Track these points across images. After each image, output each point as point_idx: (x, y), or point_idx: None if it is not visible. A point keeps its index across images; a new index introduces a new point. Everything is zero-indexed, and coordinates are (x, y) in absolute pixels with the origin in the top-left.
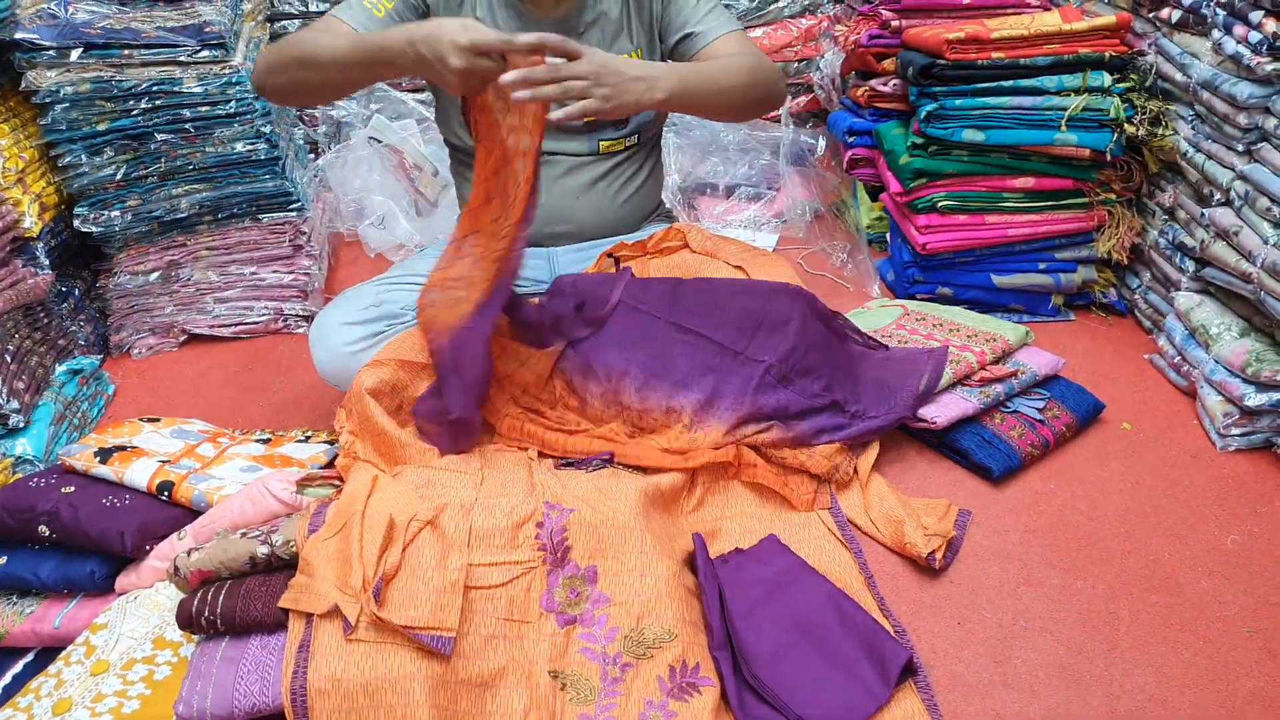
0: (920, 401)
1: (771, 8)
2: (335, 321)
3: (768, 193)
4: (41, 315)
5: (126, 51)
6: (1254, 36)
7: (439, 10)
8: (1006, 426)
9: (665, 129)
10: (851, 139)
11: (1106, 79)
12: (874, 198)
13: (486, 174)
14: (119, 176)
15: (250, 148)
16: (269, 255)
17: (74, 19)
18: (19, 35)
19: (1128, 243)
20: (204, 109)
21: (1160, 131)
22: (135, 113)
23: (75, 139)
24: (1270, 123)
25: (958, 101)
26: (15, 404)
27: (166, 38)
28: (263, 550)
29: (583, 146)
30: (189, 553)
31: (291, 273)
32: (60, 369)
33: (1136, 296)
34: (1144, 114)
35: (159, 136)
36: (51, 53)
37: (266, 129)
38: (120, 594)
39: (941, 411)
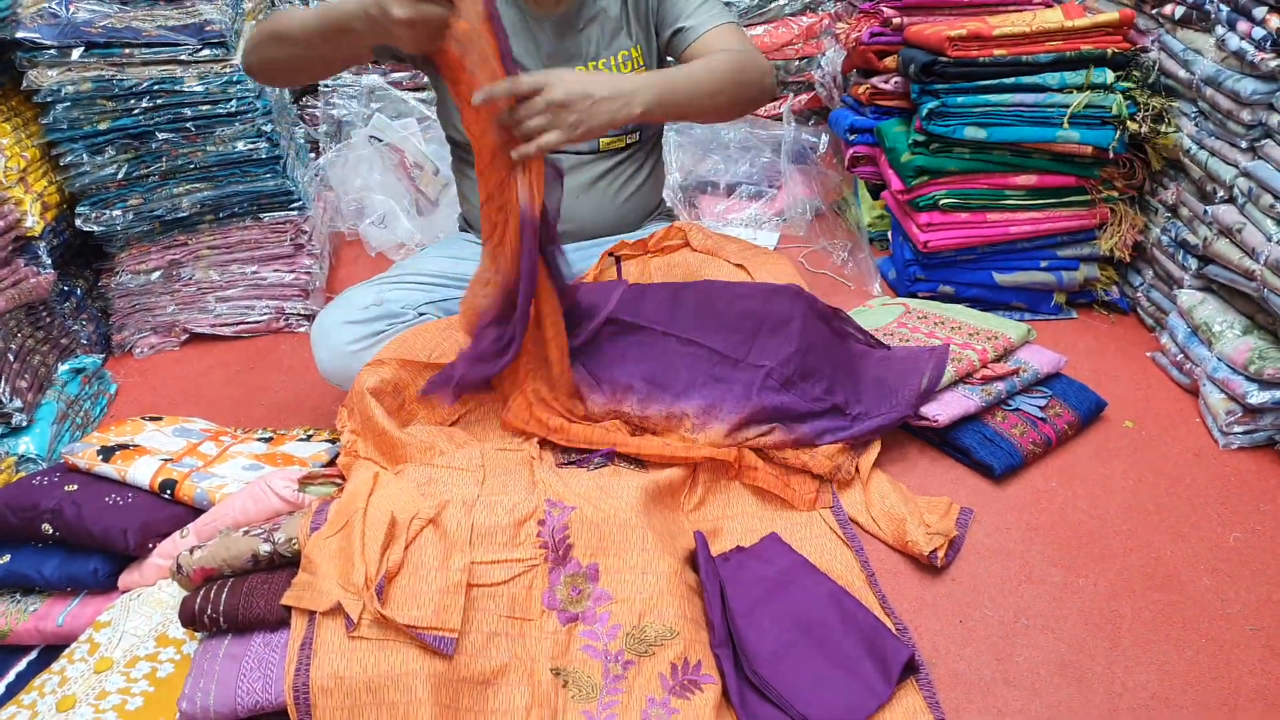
0: (922, 400)
1: (772, 5)
2: (336, 320)
3: (769, 191)
4: (44, 314)
5: (127, 50)
6: (1258, 32)
7: None
8: (1008, 424)
9: (666, 127)
10: (853, 137)
11: (1109, 76)
12: (875, 196)
13: (480, 168)
14: (120, 176)
15: (251, 147)
16: (270, 254)
17: (75, 18)
18: (20, 34)
19: (1130, 240)
20: (205, 108)
21: (1163, 128)
22: (136, 112)
23: (76, 138)
24: (1274, 119)
25: (959, 99)
26: (18, 403)
27: (167, 36)
28: (265, 548)
29: (583, 145)
30: (192, 550)
31: (293, 272)
32: (63, 368)
33: (1139, 294)
34: (1146, 111)
35: (160, 135)
36: (53, 52)
37: (267, 128)
38: (123, 592)
39: (943, 410)
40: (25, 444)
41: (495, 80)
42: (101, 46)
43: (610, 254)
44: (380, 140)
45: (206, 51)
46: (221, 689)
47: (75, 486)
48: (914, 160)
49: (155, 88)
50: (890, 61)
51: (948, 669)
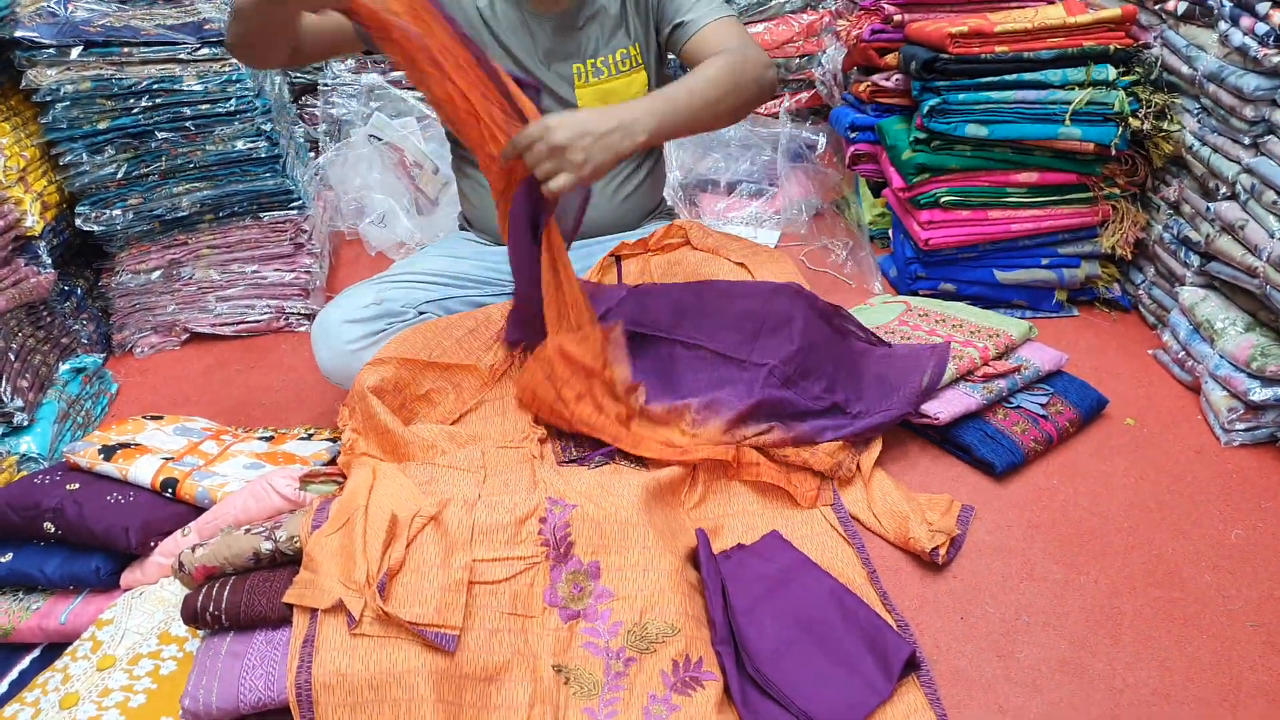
0: (923, 398)
1: (773, 3)
2: (337, 319)
3: (769, 189)
4: (44, 314)
5: (126, 49)
6: (1261, 28)
7: None
8: (1009, 422)
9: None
10: (853, 134)
11: (1111, 72)
12: (876, 193)
13: (481, 166)
14: (120, 175)
15: (251, 146)
16: (270, 254)
17: (74, 17)
18: (19, 33)
19: (1132, 237)
20: (204, 107)
21: (1165, 125)
22: (136, 111)
23: (76, 137)
24: (1277, 115)
25: (961, 96)
26: (19, 402)
27: (166, 35)
28: (267, 546)
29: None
30: (193, 549)
31: (293, 271)
32: (63, 367)
33: (1140, 292)
34: (1149, 107)
35: (159, 135)
36: (51, 51)
37: (267, 127)
38: (125, 590)
39: (944, 407)
40: (27, 443)
41: (447, 54)
42: (100, 45)
43: (611, 255)
44: (380, 139)
45: (205, 50)
46: (224, 686)
47: (77, 485)
48: (915, 158)
49: (154, 87)
50: (891, 59)
51: (949, 666)
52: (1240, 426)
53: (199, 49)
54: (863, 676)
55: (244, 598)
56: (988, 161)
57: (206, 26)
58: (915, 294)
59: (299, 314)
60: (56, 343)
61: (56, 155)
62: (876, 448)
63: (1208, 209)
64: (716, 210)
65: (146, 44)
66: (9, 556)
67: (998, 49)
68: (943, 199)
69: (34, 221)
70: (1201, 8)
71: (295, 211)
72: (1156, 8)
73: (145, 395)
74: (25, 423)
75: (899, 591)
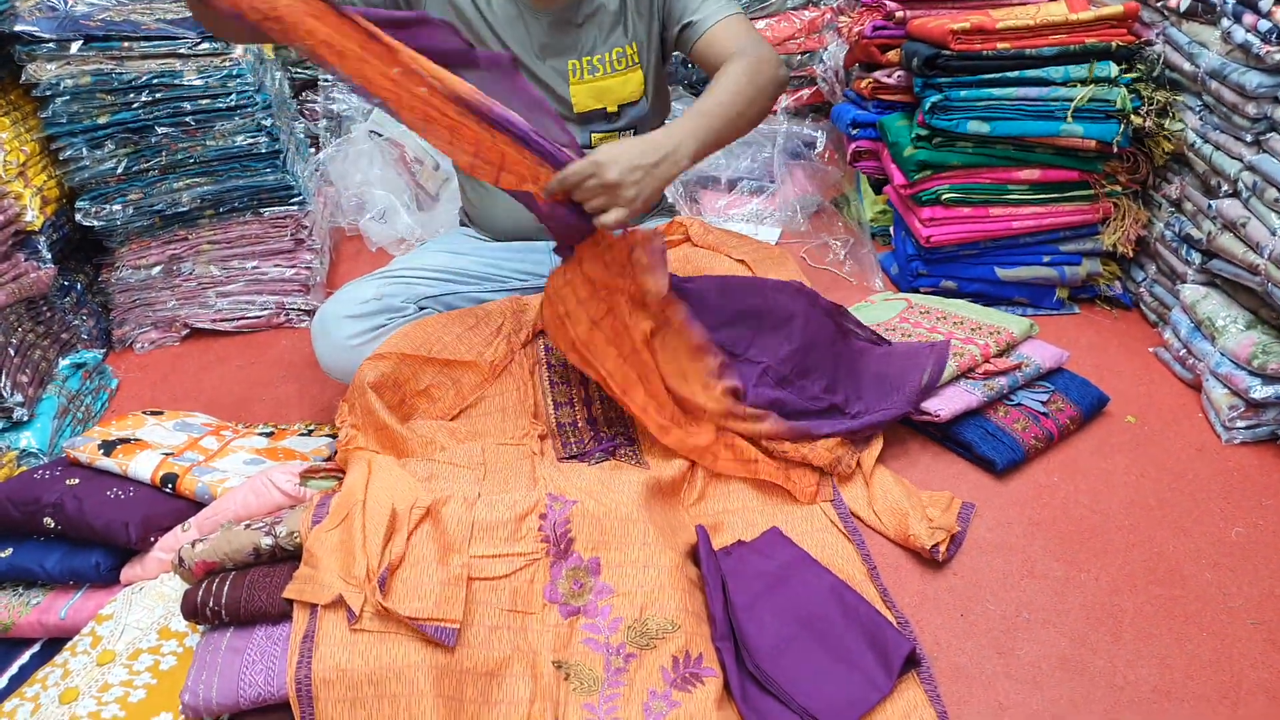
0: (922, 396)
1: (774, 0)
2: (337, 315)
3: (770, 186)
4: (44, 309)
5: (126, 44)
6: (1263, 25)
7: None
8: (1010, 419)
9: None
10: (855, 131)
11: (1113, 69)
12: (877, 191)
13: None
14: (120, 170)
15: (251, 141)
16: (270, 249)
17: (73, 11)
18: (18, 28)
19: (1133, 235)
20: (204, 102)
21: (1167, 122)
22: (136, 106)
23: (76, 132)
24: (1279, 113)
25: (963, 93)
26: (19, 397)
27: (166, 30)
28: (267, 542)
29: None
30: (193, 544)
31: (293, 267)
32: (63, 363)
33: (1142, 289)
34: (1151, 105)
35: (160, 130)
36: (51, 45)
37: (267, 122)
38: (125, 585)
39: (945, 405)
40: (26, 438)
41: (346, 38)
42: (100, 40)
43: None
44: (380, 135)
45: (206, 45)
46: (224, 681)
47: (77, 480)
48: (916, 155)
49: (154, 81)
50: (893, 55)
51: (949, 663)
52: (1241, 424)
53: (199, 44)
54: (863, 673)
55: (244, 593)
56: (989, 158)
57: None
58: (916, 291)
59: (299, 310)
60: (56, 338)
61: (56, 150)
62: (877, 445)
63: (1209, 206)
64: (717, 207)
65: (146, 38)
66: (9, 551)
67: (1000, 45)
68: (944, 196)
69: (34, 216)
70: (1204, 4)
71: (296, 207)
72: (1159, 4)
73: (145, 391)
74: (25, 418)
75: (899, 588)
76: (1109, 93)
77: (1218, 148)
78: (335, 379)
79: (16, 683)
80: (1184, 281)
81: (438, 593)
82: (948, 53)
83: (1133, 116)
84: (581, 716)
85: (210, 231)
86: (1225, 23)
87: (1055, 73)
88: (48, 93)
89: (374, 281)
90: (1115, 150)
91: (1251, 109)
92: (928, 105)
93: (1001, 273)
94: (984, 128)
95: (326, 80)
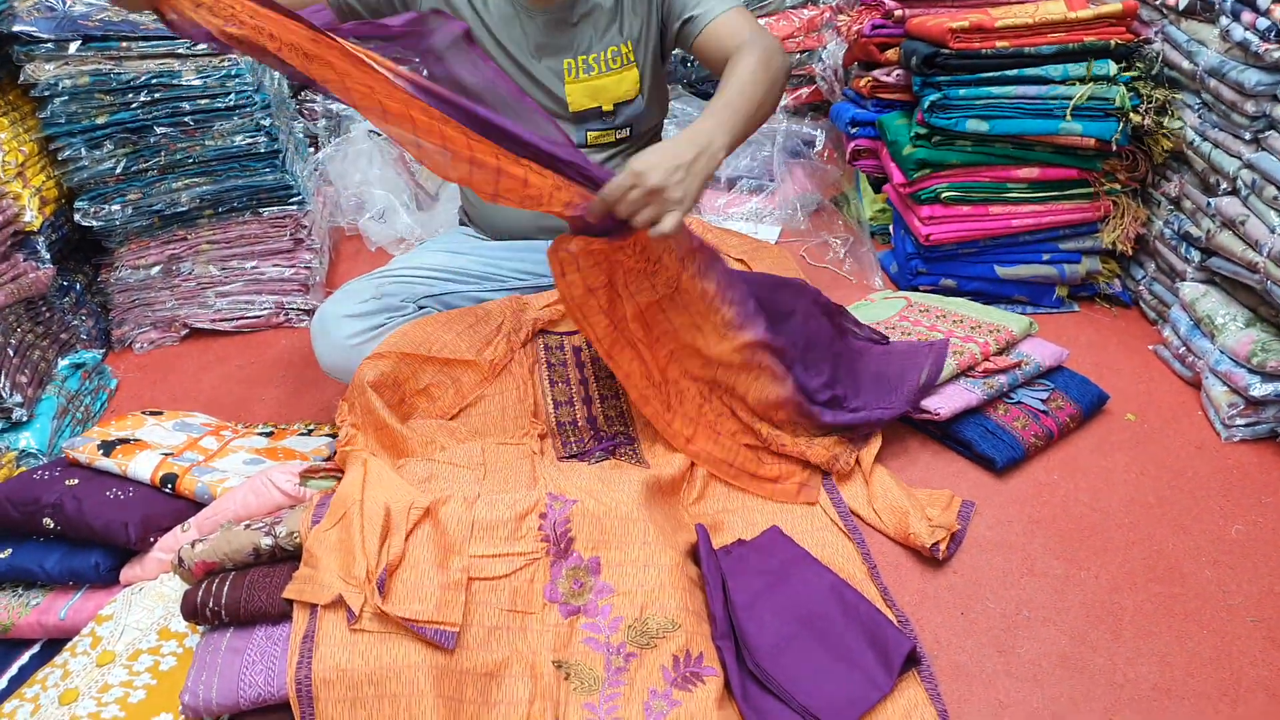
0: (921, 395)
1: None
2: (336, 314)
3: (769, 185)
4: (43, 309)
5: (125, 44)
6: (1262, 23)
7: None
8: (1010, 418)
9: (666, 120)
10: (854, 130)
11: (1112, 67)
12: (877, 189)
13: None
14: (119, 170)
15: (250, 141)
16: (270, 249)
17: (72, 11)
18: (17, 28)
19: (1132, 233)
20: (203, 102)
21: (1166, 120)
22: (134, 106)
23: (75, 132)
24: (1278, 110)
25: (961, 91)
26: (18, 398)
27: (165, 30)
28: (266, 542)
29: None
30: (193, 544)
31: (292, 267)
32: (63, 363)
33: (1141, 287)
34: (1150, 103)
35: (158, 130)
36: (50, 45)
37: (266, 122)
38: (125, 586)
39: (945, 403)
40: (26, 439)
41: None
42: (99, 40)
43: None
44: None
45: (204, 45)
46: (224, 681)
47: (76, 481)
48: (916, 153)
49: (153, 81)
50: (892, 54)
51: (949, 661)
52: (1240, 422)
53: (197, 44)
54: (863, 671)
55: (244, 593)
56: (988, 157)
57: None
58: (916, 290)
59: (299, 309)
60: (56, 338)
61: (55, 150)
62: (876, 443)
63: (1208, 204)
64: (717, 206)
65: (145, 38)
66: (8, 552)
67: (998, 44)
68: (943, 194)
69: (32, 217)
70: (1203, 3)
71: (295, 207)
72: (1158, 3)
73: (145, 391)
74: (24, 418)
75: (899, 587)
76: (1108, 91)
77: (1217, 145)
78: (335, 378)
79: (16, 683)
80: (1183, 279)
81: (438, 596)
82: (946, 51)
83: (1132, 114)
84: (582, 716)
85: (209, 231)
86: (1224, 21)
87: (1054, 71)
88: (46, 93)
89: (373, 281)
90: (1114, 148)
91: (1250, 107)
92: (927, 104)
93: (1001, 271)
94: (983, 126)
95: None
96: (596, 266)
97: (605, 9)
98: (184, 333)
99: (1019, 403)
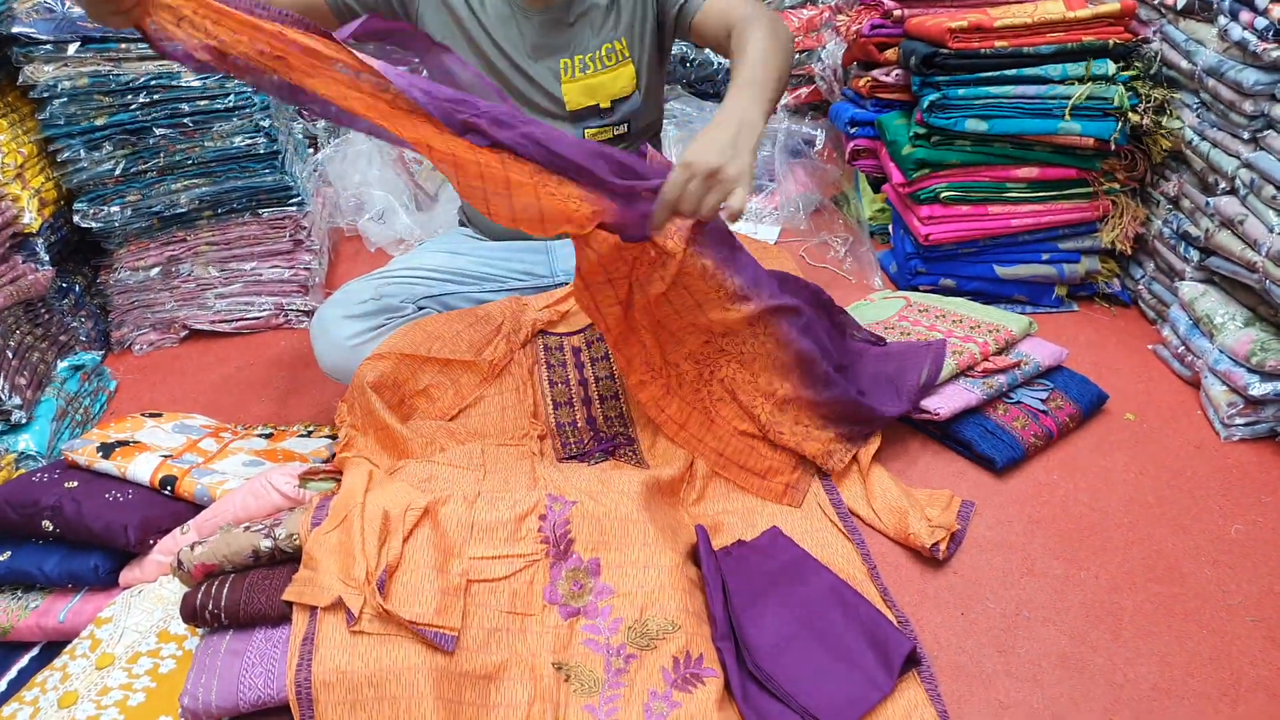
0: (920, 395)
1: None
2: (336, 315)
3: (769, 185)
4: (42, 311)
5: (124, 45)
6: (1260, 22)
7: None
8: (1010, 418)
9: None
10: (853, 130)
11: (1111, 67)
12: (876, 189)
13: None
14: (118, 171)
15: (249, 142)
16: (269, 250)
17: (70, 13)
18: (15, 29)
19: (1132, 233)
20: (202, 103)
21: (1165, 120)
22: (133, 107)
23: (74, 134)
24: (1276, 110)
25: (961, 91)
26: (17, 400)
27: None
28: (266, 544)
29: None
30: (192, 547)
31: (292, 268)
32: (62, 365)
33: (1140, 287)
34: (1148, 102)
35: (157, 131)
36: (48, 47)
37: (265, 123)
38: (124, 588)
39: (944, 403)
40: (25, 441)
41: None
42: (97, 41)
43: None
44: None
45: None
46: (223, 684)
47: (75, 483)
48: (915, 153)
49: (152, 83)
50: (891, 54)
51: (949, 661)
52: (1240, 421)
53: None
54: (863, 672)
55: (243, 595)
56: (988, 157)
57: None
58: (915, 289)
59: (298, 310)
60: (55, 340)
61: (54, 152)
62: (875, 443)
63: (1207, 204)
64: None
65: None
66: (7, 555)
67: (997, 44)
68: (943, 194)
69: (31, 218)
70: (1201, 2)
71: (294, 208)
72: (1156, 2)
73: (144, 393)
74: (23, 420)
75: (899, 587)
76: (1107, 90)
77: (1215, 145)
78: (334, 379)
79: (15, 686)
80: (1182, 279)
81: (437, 599)
82: (945, 51)
83: (1130, 114)
84: (582, 718)
85: (209, 233)
86: (1222, 20)
87: (1053, 71)
88: (45, 94)
89: (373, 282)
90: (1113, 148)
91: (1249, 106)
92: (926, 104)
93: (1000, 270)
94: (982, 126)
95: None
96: (619, 258)
97: (601, 7)
98: (183, 334)
99: (1018, 402)
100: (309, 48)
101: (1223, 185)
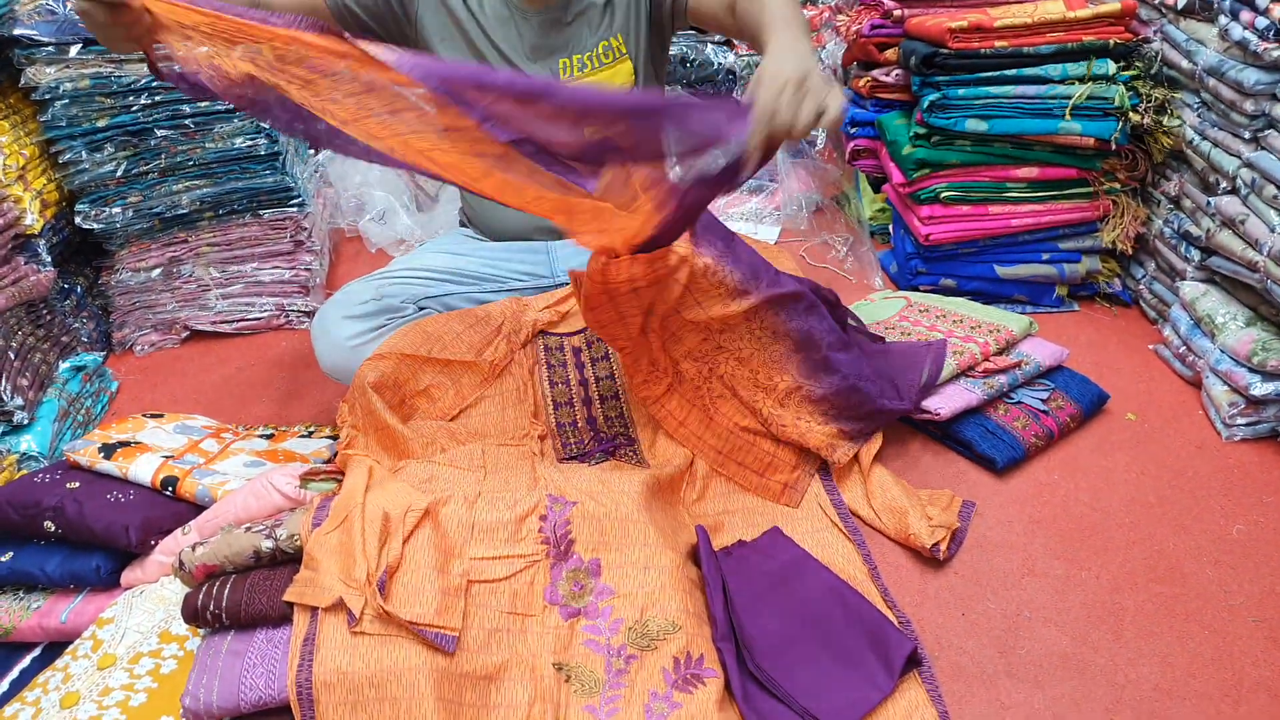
0: (921, 395)
1: None
2: (336, 316)
3: (769, 185)
4: (44, 312)
5: None
6: (1261, 22)
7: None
8: (1010, 418)
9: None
10: (853, 130)
11: (1111, 67)
12: (876, 189)
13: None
14: (119, 173)
15: (250, 143)
16: (270, 251)
17: (72, 15)
18: (18, 31)
19: (1132, 232)
20: (203, 104)
21: (1165, 120)
22: (135, 108)
23: (75, 135)
24: (1277, 109)
25: (961, 91)
26: (19, 401)
27: None
28: (267, 544)
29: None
30: (194, 547)
31: (293, 268)
32: (64, 366)
33: (1141, 286)
34: (1149, 102)
35: (159, 132)
36: (50, 49)
37: (266, 124)
38: (126, 589)
39: (945, 403)
40: (27, 442)
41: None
42: (99, 43)
43: None
44: None
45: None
46: (225, 685)
47: (77, 484)
48: (915, 153)
49: (153, 84)
50: (891, 54)
51: (950, 662)
52: (1241, 421)
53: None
54: (864, 673)
55: (244, 596)
56: (988, 156)
57: None
58: (916, 289)
59: (299, 311)
60: (56, 341)
61: (56, 153)
62: (876, 442)
63: (1208, 204)
64: (716, 206)
65: None
66: (9, 555)
67: (997, 44)
68: (943, 194)
69: (33, 220)
70: (1201, 2)
71: (295, 209)
72: (1157, 2)
73: (145, 393)
74: (25, 421)
75: (900, 587)
76: (1107, 90)
77: (1216, 145)
78: (335, 380)
79: (17, 687)
80: (1183, 278)
81: (438, 600)
82: (945, 51)
83: (1131, 114)
84: (582, 718)
85: (210, 234)
86: (1223, 20)
87: (1053, 70)
88: (47, 96)
89: (373, 282)
90: (1114, 148)
91: (1249, 106)
92: (926, 104)
93: (1001, 270)
94: (982, 126)
95: None
96: (636, 300)
97: (598, 6)
98: (184, 335)
99: (1019, 402)
100: (323, 47)
101: (1224, 185)
